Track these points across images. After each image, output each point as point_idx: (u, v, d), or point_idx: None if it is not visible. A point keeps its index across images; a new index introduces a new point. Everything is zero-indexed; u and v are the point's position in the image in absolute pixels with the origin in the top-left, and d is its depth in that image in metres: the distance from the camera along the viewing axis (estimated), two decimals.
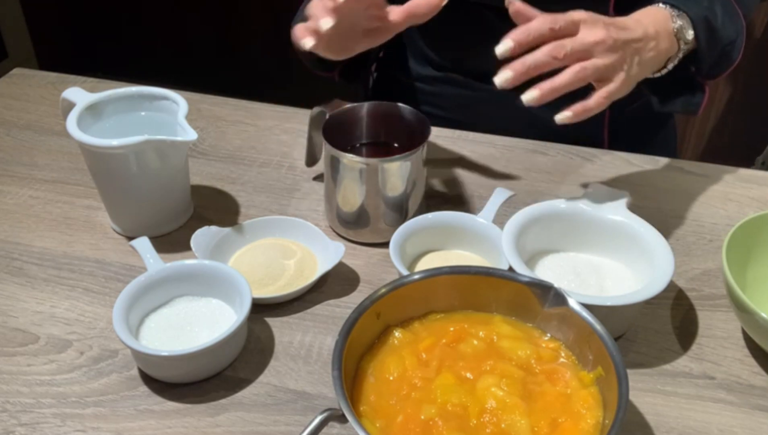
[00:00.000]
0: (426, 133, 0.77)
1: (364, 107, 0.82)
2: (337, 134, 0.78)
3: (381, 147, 0.83)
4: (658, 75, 0.82)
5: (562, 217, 0.73)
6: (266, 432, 0.60)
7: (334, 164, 0.76)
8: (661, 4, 0.80)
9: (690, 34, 0.80)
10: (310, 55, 0.89)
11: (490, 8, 0.92)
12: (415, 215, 0.78)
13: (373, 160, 0.75)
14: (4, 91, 1.07)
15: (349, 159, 0.75)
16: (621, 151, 0.96)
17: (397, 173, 0.76)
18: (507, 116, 0.98)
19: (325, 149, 0.77)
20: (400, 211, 0.78)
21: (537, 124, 0.92)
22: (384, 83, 1.10)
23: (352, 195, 0.77)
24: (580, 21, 0.70)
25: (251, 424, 0.61)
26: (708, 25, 0.82)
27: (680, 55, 0.80)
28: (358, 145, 0.84)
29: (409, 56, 1.04)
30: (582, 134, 0.87)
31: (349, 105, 0.81)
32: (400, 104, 0.81)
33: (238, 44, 2.64)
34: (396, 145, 0.83)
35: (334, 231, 0.81)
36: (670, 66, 0.81)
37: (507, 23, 0.93)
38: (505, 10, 0.86)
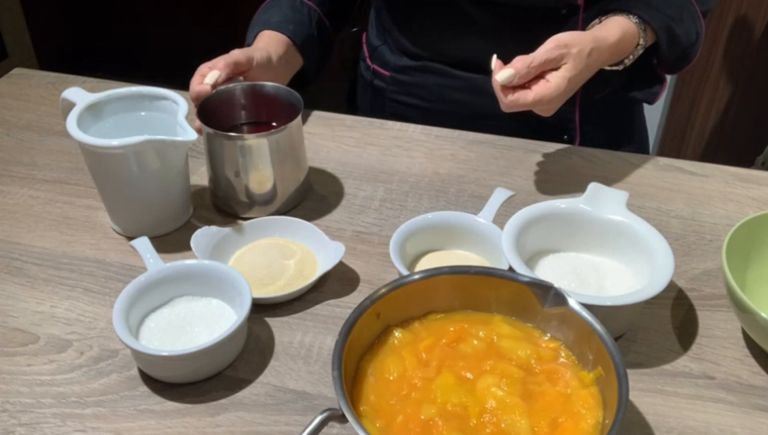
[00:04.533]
0: (295, 114, 0.80)
1: (241, 88, 0.84)
2: (216, 114, 0.82)
3: (261, 127, 0.84)
4: (615, 68, 0.89)
5: (562, 217, 0.73)
6: (266, 432, 0.60)
7: (207, 141, 0.80)
8: (628, 17, 0.87)
9: (647, 42, 0.88)
10: None
11: (467, 0, 0.93)
12: (293, 196, 0.82)
13: (235, 135, 0.78)
14: (4, 91, 1.07)
15: (212, 133, 0.78)
16: (593, 137, 0.98)
17: (259, 151, 0.78)
18: (483, 104, 0.98)
19: (204, 129, 0.80)
20: (270, 191, 0.81)
21: (512, 112, 0.92)
22: (365, 77, 1.11)
23: (220, 171, 0.80)
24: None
25: (251, 424, 0.61)
26: (670, 33, 0.89)
27: (637, 54, 0.88)
28: (238, 124, 0.87)
29: (386, 49, 1.05)
30: (554, 118, 0.89)
31: (229, 85, 0.84)
32: (278, 84, 0.84)
33: (238, 44, 2.64)
34: (274, 124, 0.85)
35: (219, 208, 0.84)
36: (626, 63, 0.88)
37: (481, 11, 0.94)
38: (480, 3, 0.89)
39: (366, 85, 1.10)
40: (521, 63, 0.78)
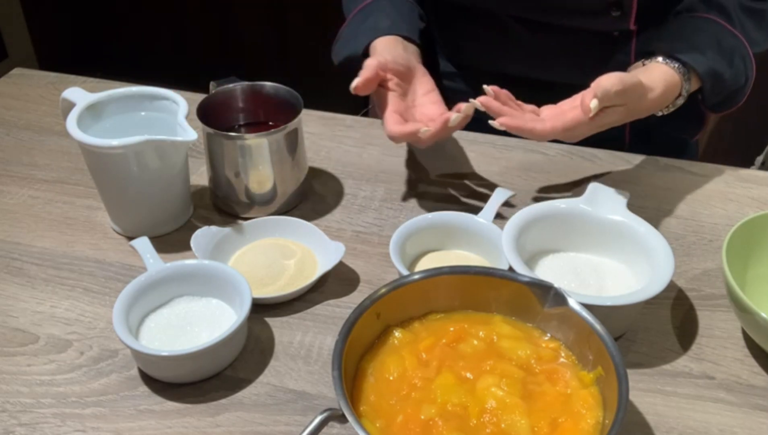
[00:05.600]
0: (295, 114, 0.80)
1: (241, 88, 0.84)
2: (216, 114, 0.81)
3: (261, 127, 0.84)
4: (660, 114, 0.85)
5: (562, 217, 0.73)
6: (266, 432, 0.60)
7: (207, 141, 0.80)
8: (672, 66, 0.82)
9: (689, 90, 0.83)
10: (343, 68, 0.94)
11: (515, 18, 0.92)
12: (293, 196, 0.81)
13: (234, 136, 0.78)
14: (4, 91, 1.07)
15: (212, 133, 0.78)
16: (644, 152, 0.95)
17: (259, 151, 0.78)
18: None
19: (202, 129, 0.80)
20: (271, 190, 0.81)
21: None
22: None
23: (220, 171, 0.80)
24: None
25: (251, 424, 0.61)
26: (716, 78, 0.85)
27: (678, 104, 0.84)
28: (236, 126, 0.86)
29: (436, 51, 1.04)
30: (604, 136, 0.89)
31: (228, 85, 0.84)
32: (278, 85, 0.84)
33: (237, 44, 2.64)
34: (274, 124, 0.85)
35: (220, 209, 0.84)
36: (665, 112, 0.85)
37: (530, 31, 0.92)
38: (528, 21, 0.86)
39: None
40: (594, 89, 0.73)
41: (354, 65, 0.93)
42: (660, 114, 0.85)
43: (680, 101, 0.84)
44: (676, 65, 0.82)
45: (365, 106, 1.16)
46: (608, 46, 0.90)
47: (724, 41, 0.86)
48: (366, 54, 0.88)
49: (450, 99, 1.04)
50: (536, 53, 0.82)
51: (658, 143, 1.00)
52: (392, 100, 0.80)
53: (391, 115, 0.78)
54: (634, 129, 0.98)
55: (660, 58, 0.83)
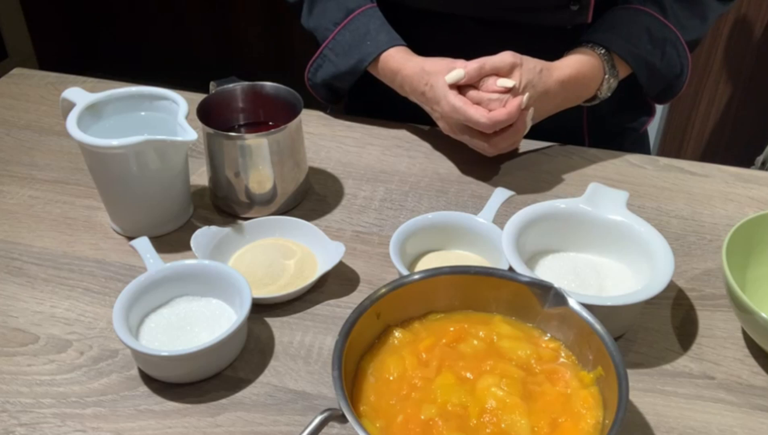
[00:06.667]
0: (294, 114, 0.80)
1: (241, 88, 0.84)
2: (216, 114, 0.82)
3: (261, 127, 0.85)
4: (590, 104, 0.92)
5: (562, 217, 0.73)
6: (266, 432, 0.60)
7: (207, 141, 0.80)
8: (595, 51, 0.88)
9: (617, 75, 0.90)
10: (322, 88, 0.99)
11: (472, 19, 0.93)
12: (293, 196, 0.82)
13: (234, 135, 0.78)
14: (4, 91, 1.07)
15: (212, 133, 0.78)
16: (601, 140, 0.98)
17: (259, 151, 0.78)
18: None
19: (202, 129, 0.80)
20: (270, 190, 0.81)
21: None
22: (366, 82, 1.09)
23: (221, 171, 0.80)
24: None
25: (251, 424, 0.61)
26: (649, 67, 0.91)
27: (611, 86, 0.90)
28: (236, 126, 0.86)
29: None
30: (562, 127, 0.91)
31: (228, 85, 0.84)
32: (278, 84, 0.84)
33: (237, 44, 2.65)
34: (274, 124, 0.85)
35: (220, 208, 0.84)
36: (600, 97, 0.90)
37: (485, 30, 0.94)
38: (486, 21, 0.89)
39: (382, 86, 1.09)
40: (472, 64, 0.82)
41: (338, 84, 0.95)
42: (597, 101, 0.90)
43: (613, 83, 0.89)
44: (599, 51, 0.88)
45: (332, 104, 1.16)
46: (562, 40, 0.92)
47: (655, 31, 0.90)
48: (360, 66, 0.92)
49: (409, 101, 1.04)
50: (492, 51, 0.85)
51: (614, 133, 1.05)
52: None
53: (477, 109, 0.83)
54: (590, 118, 1.01)
55: (582, 45, 0.89)
